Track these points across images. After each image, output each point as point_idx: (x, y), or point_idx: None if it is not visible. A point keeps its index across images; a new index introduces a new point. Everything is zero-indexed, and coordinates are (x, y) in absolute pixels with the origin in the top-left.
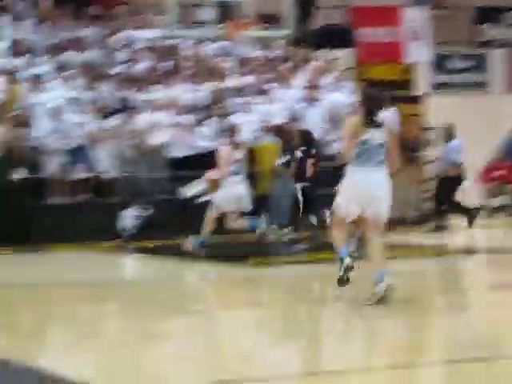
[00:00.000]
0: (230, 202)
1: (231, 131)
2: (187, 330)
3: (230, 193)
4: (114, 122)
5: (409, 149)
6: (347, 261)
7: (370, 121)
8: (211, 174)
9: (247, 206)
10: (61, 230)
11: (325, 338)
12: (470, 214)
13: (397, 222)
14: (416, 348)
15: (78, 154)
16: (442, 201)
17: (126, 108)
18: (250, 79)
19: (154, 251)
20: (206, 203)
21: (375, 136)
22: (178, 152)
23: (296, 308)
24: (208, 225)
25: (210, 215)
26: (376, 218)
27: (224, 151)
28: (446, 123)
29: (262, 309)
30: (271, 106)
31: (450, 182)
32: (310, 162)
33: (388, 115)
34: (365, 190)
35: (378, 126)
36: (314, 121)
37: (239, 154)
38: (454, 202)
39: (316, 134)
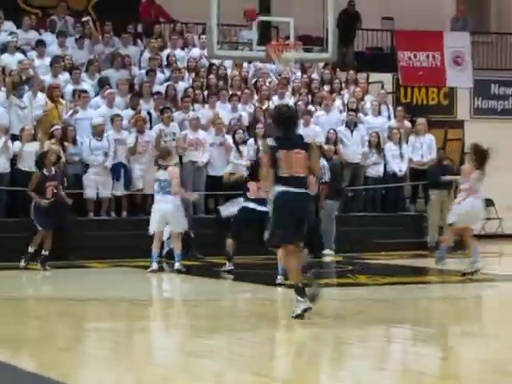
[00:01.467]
0: None
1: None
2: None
3: None
4: (153, 134)
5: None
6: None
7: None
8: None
9: None
10: (97, 247)
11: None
12: None
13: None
14: None
15: (117, 171)
16: None
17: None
18: (290, 101)
19: (191, 271)
20: None
21: None
22: (218, 171)
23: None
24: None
25: None
26: None
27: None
28: None
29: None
30: (310, 127)
31: None
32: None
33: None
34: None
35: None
36: (353, 144)
37: None
38: None
39: (357, 157)
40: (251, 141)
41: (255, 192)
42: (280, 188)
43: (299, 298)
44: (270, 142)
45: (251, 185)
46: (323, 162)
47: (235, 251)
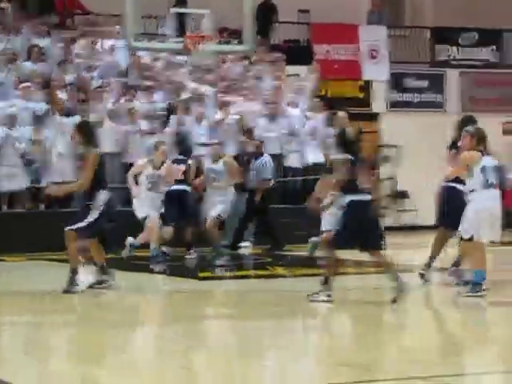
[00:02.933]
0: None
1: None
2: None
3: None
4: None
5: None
6: None
7: None
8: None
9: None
10: (11, 240)
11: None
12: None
13: None
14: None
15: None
16: None
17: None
18: (209, 90)
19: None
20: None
21: None
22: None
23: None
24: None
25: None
26: None
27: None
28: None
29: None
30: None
31: None
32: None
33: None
34: None
35: None
36: (274, 136)
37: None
38: None
39: (277, 148)
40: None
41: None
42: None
43: None
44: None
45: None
46: (266, 158)
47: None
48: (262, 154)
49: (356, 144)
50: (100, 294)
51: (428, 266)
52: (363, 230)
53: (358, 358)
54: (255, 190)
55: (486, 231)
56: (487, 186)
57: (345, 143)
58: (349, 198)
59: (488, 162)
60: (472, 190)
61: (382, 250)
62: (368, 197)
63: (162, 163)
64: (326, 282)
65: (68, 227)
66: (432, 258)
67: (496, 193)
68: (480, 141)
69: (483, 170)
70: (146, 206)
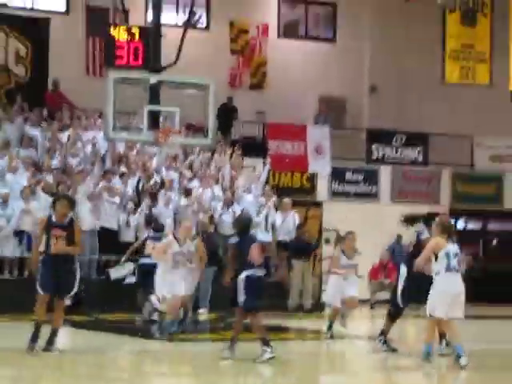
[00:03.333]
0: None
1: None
2: None
3: None
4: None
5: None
6: None
7: None
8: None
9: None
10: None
11: None
12: None
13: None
14: None
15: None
16: None
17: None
18: (174, 176)
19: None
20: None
21: None
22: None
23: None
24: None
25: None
26: None
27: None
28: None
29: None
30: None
31: None
32: None
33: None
34: None
35: None
36: (229, 218)
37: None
38: None
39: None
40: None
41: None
42: None
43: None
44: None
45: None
46: None
47: None
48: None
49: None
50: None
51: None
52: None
53: None
54: None
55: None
56: (449, 269)
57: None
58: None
59: (451, 248)
60: (437, 273)
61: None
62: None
63: (185, 239)
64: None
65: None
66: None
67: (457, 275)
68: (444, 230)
69: (447, 255)
70: (167, 284)
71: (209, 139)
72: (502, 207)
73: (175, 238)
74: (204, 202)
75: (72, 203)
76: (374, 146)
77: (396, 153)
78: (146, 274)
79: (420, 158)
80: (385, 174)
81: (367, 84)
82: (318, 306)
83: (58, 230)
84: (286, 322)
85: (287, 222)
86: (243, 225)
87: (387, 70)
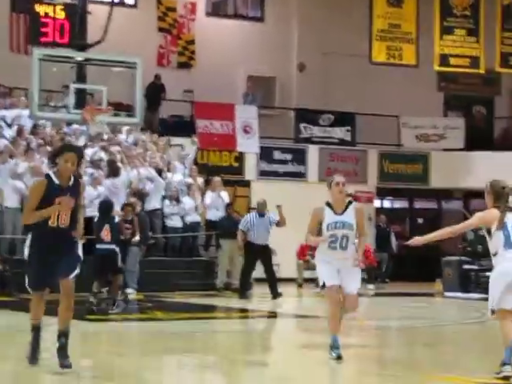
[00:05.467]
0: None
1: None
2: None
3: None
4: None
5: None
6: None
7: None
8: None
9: None
10: None
11: None
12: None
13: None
14: None
15: None
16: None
17: None
18: (102, 155)
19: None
20: None
21: None
22: None
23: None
24: None
25: None
26: None
27: None
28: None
29: None
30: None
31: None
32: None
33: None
34: None
35: None
36: (156, 196)
37: None
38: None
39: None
40: None
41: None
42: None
43: None
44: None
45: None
46: None
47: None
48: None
49: None
50: None
51: None
52: None
53: None
54: None
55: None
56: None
57: None
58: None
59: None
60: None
61: None
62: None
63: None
64: None
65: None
66: None
67: None
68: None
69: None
70: None
71: (136, 118)
72: (428, 186)
73: None
74: (132, 181)
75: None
76: (302, 126)
77: (324, 132)
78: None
79: (347, 138)
80: (313, 153)
81: (295, 63)
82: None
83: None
84: (213, 301)
85: (216, 201)
86: (104, 209)
87: (315, 49)
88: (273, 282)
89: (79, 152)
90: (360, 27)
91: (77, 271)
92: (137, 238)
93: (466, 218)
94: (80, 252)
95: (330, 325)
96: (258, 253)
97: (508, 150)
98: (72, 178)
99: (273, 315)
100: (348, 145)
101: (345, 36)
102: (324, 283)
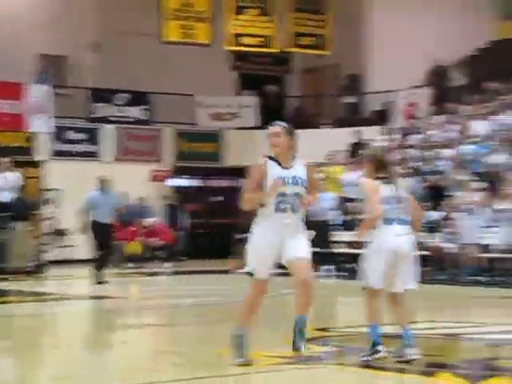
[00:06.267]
0: None
1: None
2: None
3: None
4: None
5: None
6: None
7: None
8: None
9: None
10: None
11: None
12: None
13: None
14: None
15: None
16: None
17: None
18: None
19: None
20: None
21: None
22: None
23: None
24: None
25: None
26: None
27: None
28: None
29: None
30: None
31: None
32: None
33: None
34: None
35: None
36: None
37: None
38: None
39: None
40: None
41: None
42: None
43: None
44: None
45: None
46: None
47: None
48: None
49: None
50: None
51: None
52: None
53: None
54: None
55: None
56: None
57: None
58: None
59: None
60: None
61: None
62: None
63: None
64: None
65: None
66: None
67: None
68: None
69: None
70: None
71: None
72: (222, 164)
73: None
74: None
75: None
76: (96, 105)
77: (119, 112)
78: None
79: (143, 117)
80: (108, 132)
81: (89, 42)
82: (39, 268)
83: None
84: (5, 285)
85: (7, 183)
86: None
87: (109, 28)
88: (104, 260)
89: None
90: (152, 5)
91: None
92: None
93: None
94: None
95: (242, 315)
96: (103, 231)
97: (300, 128)
98: None
99: (65, 298)
100: (144, 124)
101: (138, 14)
102: (252, 271)
